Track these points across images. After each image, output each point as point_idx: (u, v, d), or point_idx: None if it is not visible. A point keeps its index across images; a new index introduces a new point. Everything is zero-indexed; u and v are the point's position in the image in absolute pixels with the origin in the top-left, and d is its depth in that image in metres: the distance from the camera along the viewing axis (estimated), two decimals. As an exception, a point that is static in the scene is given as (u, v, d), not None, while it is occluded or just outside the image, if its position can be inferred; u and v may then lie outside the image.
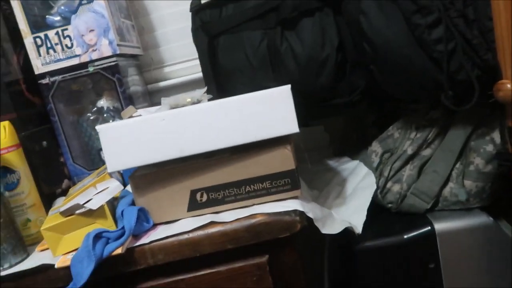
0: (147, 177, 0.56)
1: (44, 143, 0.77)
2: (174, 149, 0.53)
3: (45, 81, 0.77)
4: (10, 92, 0.70)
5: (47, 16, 0.77)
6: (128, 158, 0.53)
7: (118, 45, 0.76)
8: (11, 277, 0.55)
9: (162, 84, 0.95)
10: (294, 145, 0.56)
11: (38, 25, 0.75)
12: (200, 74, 0.92)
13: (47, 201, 0.72)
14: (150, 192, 0.57)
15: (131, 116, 0.66)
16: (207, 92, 0.62)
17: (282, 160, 0.55)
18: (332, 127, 0.88)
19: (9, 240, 0.57)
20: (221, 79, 0.71)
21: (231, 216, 0.55)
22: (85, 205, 0.54)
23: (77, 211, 0.54)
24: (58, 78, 0.77)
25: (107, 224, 0.56)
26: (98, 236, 0.53)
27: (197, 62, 0.93)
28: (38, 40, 0.75)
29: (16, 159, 0.63)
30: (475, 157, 0.61)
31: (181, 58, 0.98)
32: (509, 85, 0.45)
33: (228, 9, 0.69)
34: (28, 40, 0.75)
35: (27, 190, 0.64)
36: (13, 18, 0.74)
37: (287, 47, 0.62)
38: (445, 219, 0.64)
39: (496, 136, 0.59)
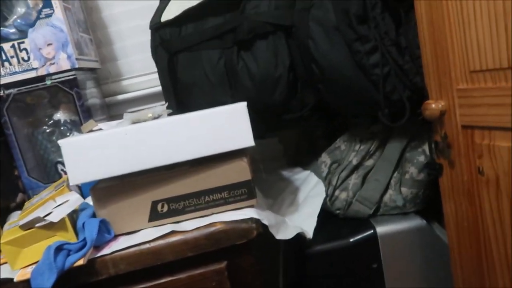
0: (109, 189, 0.58)
1: (-2, 156, 0.76)
2: (136, 162, 0.55)
3: (-1, 93, 0.76)
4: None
5: (1, 28, 0.77)
6: (91, 171, 0.55)
7: (76, 59, 0.77)
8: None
9: (120, 97, 0.97)
10: (250, 157, 0.60)
11: (-8, 37, 0.75)
12: (158, 88, 0.95)
13: (2, 215, 0.72)
14: (111, 203, 0.59)
15: (91, 130, 0.68)
16: (167, 107, 0.65)
17: (239, 171, 0.59)
18: (286, 139, 0.94)
19: (-36, 255, 0.56)
20: (181, 94, 0.75)
21: (192, 225, 0.58)
22: (45, 218, 0.55)
23: (37, 224, 0.55)
24: (13, 91, 0.76)
25: (68, 237, 0.57)
26: (59, 249, 0.54)
27: (155, 76, 0.95)
28: (-8, 52, 0.75)
29: (-30, 173, 0.63)
30: (410, 166, 0.69)
31: (139, 71, 1.00)
32: (433, 105, 0.53)
33: (187, 28, 0.73)
34: (-18, 53, 0.74)
35: (-19, 204, 0.63)
36: (-34, 30, 0.73)
37: (243, 66, 0.67)
38: (386, 223, 0.71)
39: (427, 148, 0.67)
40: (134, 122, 0.58)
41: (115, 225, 0.60)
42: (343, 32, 0.57)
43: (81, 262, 0.53)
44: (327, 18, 0.61)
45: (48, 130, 0.83)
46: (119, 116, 1.00)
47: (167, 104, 0.62)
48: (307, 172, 0.81)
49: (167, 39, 0.75)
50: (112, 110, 0.98)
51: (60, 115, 0.83)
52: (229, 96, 0.70)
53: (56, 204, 0.61)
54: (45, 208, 0.60)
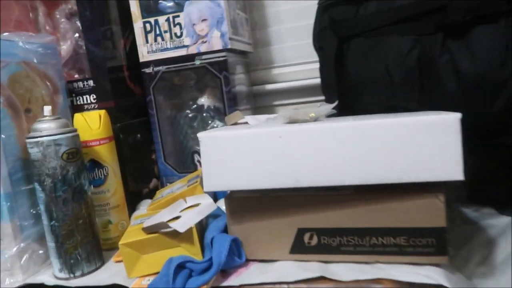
0: (247, 202, 0.46)
1: (138, 136, 0.71)
2: (288, 176, 0.41)
3: (148, 70, 0.70)
4: (111, 78, 0.65)
5: (159, 1, 0.71)
6: (230, 178, 0.43)
7: (230, 38, 0.67)
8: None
9: (269, 87, 0.85)
10: (446, 195, 0.41)
11: (150, 9, 0.69)
12: (313, 81, 0.81)
13: (132, 201, 0.66)
14: (248, 220, 0.46)
15: (236, 123, 0.56)
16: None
17: (430, 212, 0.40)
18: (471, 163, 0.70)
19: (86, 245, 0.50)
20: (345, 92, 0.58)
21: (348, 273, 0.42)
22: (171, 225, 0.45)
23: (162, 230, 0.46)
24: (162, 68, 0.70)
25: (193, 251, 0.46)
26: (180, 266, 0.44)
27: (310, 67, 0.82)
28: (147, 25, 0.69)
29: (107, 153, 0.57)
30: None
31: (293, 60, 0.87)
32: None
33: (368, 7, 0.55)
34: (138, 25, 0.69)
35: (112, 188, 0.57)
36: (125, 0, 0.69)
37: (449, 60, 0.47)
38: None
39: None
40: (290, 122, 0.44)
41: (248, 247, 0.47)
42: None
43: (203, 289, 0.42)
44: None
45: (190, 115, 0.76)
46: (265, 108, 0.88)
47: (336, 103, 0.46)
48: (508, 220, 0.57)
49: (339, 19, 0.59)
50: (258, 100, 0.87)
51: (204, 100, 0.75)
52: (415, 101, 0.52)
53: (185, 206, 0.52)
54: (173, 208, 0.51)
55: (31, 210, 0.53)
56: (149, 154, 0.73)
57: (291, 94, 0.85)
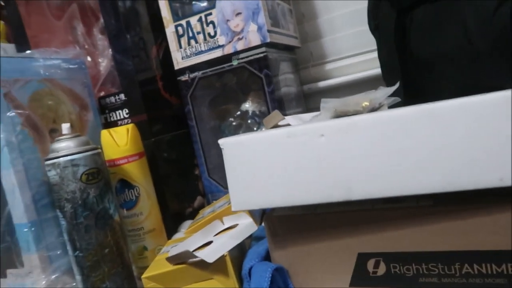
0: (291, 221, 0.36)
1: (178, 150, 0.65)
2: (337, 186, 0.31)
3: (184, 77, 0.64)
4: (143, 90, 0.59)
5: (194, 2, 0.65)
6: (263, 193, 0.33)
7: (268, 31, 0.58)
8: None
9: (322, 84, 0.75)
10: None
11: (182, 12, 0.64)
12: (375, 72, 0.69)
13: (174, 223, 0.60)
14: (294, 244, 0.36)
15: (276, 126, 0.47)
16: (393, 92, 0.39)
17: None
18: None
19: (115, 277, 0.44)
20: (412, 73, 0.47)
21: (432, 316, 0.30)
22: (197, 254, 0.37)
23: (190, 260, 0.38)
24: (198, 74, 0.63)
25: (228, 284, 0.38)
26: (213, 304, 0.35)
27: (370, 56, 0.70)
28: (179, 28, 0.63)
29: (137, 172, 0.51)
30: None
31: (349, 51, 0.76)
32: None
33: (432, -36, 0.44)
34: (170, 29, 0.64)
35: (146, 210, 0.51)
36: (156, 5, 0.63)
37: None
38: None
39: None
40: (338, 116, 0.34)
41: (297, 278, 0.37)
42: None
43: (239, 336, 0.33)
44: None
45: (234, 123, 0.69)
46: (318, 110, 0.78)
47: (397, 85, 0.35)
48: None
49: (396, -13, 0.47)
50: (311, 102, 0.77)
51: (248, 105, 0.67)
52: (510, 76, 0.38)
53: (221, 227, 0.43)
54: (207, 231, 0.43)
55: (60, 239, 0.48)
56: (192, 169, 0.66)
57: (349, 90, 0.73)
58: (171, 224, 0.59)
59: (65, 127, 0.45)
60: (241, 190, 0.34)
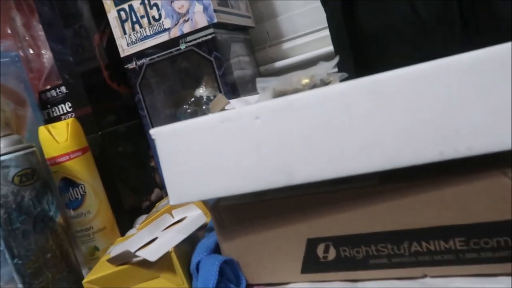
0: (237, 210, 0.34)
1: (130, 142, 0.61)
2: (277, 171, 0.29)
3: (131, 65, 0.61)
4: (86, 81, 0.55)
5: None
6: (201, 184, 0.31)
7: (215, 10, 0.55)
8: None
9: (279, 64, 0.73)
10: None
11: (124, -5, 0.60)
12: (330, 49, 0.67)
13: (131, 217, 0.57)
14: (242, 234, 0.35)
15: (222, 110, 0.45)
16: (339, 66, 0.37)
17: (499, 199, 0.26)
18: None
19: (60, 283, 0.41)
20: (362, 48, 0.45)
21: (383, 298, 0.29)
22: (139, 254, 0.34)
23: (133, 260, 0.35)
24: (145, 60, 0.60)
25: (176, 282, 0.35)
26: (158, 304, 0.33)
27: (327, 33, 0.68)
28: (122, 13, 0.59)
29: (80, 168, 0.48)
30: None
31: (306, 28, 0.73)
32: None
33: None
34: (112, 15, 0.60)
35: (94, 209, 0.48)
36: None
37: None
38: None
39: None
40: (278, 96, 0.32)
41: (248, 269, 0.35)
42: None
43: (187, 336, 0.31)
44: None
45: (189, 110, 0.66)
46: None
47: (337, 59, 0.33)
48: None
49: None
50: (269, 83, 0.75)
51: (202, 91, 0.64)
52: (457, 42, 0.37)
53: (171, 221, 0.41)
54: (155, 226, 0.41)
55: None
56: (147, 161, 0.63)
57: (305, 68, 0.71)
58: (128, 220, 0.56)
59: (-8, 126, 0.41)
60: (178, 182, 0.32)
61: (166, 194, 0.64)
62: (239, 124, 0.29)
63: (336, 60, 0.33)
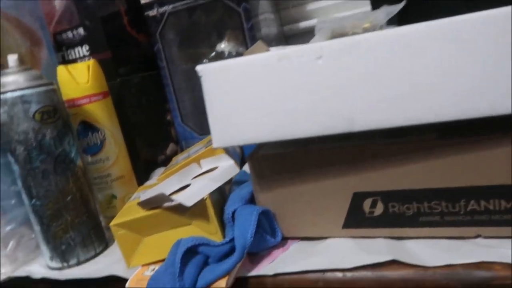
0: (278, 160, 0.32)
1: (147, 93, 0.59)
2: (337, 116, 0.27)
3: (152, 12, 0.57)
4: (106, 25, 0.52)
5: None
6: (249, 127, 0.29)
7: (248, -42, 0.52)
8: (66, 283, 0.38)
9: (303, 24, 0.70)
10: None
11: None
12: (356, 12, 0.64)
13: (145, 171, 0.55)
14: (281, 186, 0.33)
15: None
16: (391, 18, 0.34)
17: None
18: None
19: (79, 227, 0.40)
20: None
21: (434, 255, 0.28)
22: (174, 198, 0.32)
23: (165, 205, 0.34)
24: (168, 8, 0.57)
25: (209, 230, 0.34)
26: (192, 251, 0.32)
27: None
28: (146, -46, 0.55)
29: (101, 113, 0.45)
30: None
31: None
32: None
33: None
34: (135, -45, 0.56)
35: (113, 156, 0.46)
36: None
37: None
38: None
39: None
40: (335, 37, 0.30)
41: (285, 222, 0.34)
42: None
43: (222, 284, 0.30)
44: None
45: (209, 66, 0.63)
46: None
47: (403, 4, 0.31)
48: None
49: None
50: (292, 43, 0.72)
51: (224, 46, 0.61)
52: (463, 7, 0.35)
53: (199, 171, 0.39)
54: (183, 175, 0.39)
55: (13, 187, 0.43)
56: (163, 114, 0.61)
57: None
58: (143, 173, 0.54)
59: (12, 58, 0.38)
60: (224, 124, 0.30)
61: (182, 149, 0.62)
62: (299, 63, 0.27)
63: (401, 4, 0.30)
